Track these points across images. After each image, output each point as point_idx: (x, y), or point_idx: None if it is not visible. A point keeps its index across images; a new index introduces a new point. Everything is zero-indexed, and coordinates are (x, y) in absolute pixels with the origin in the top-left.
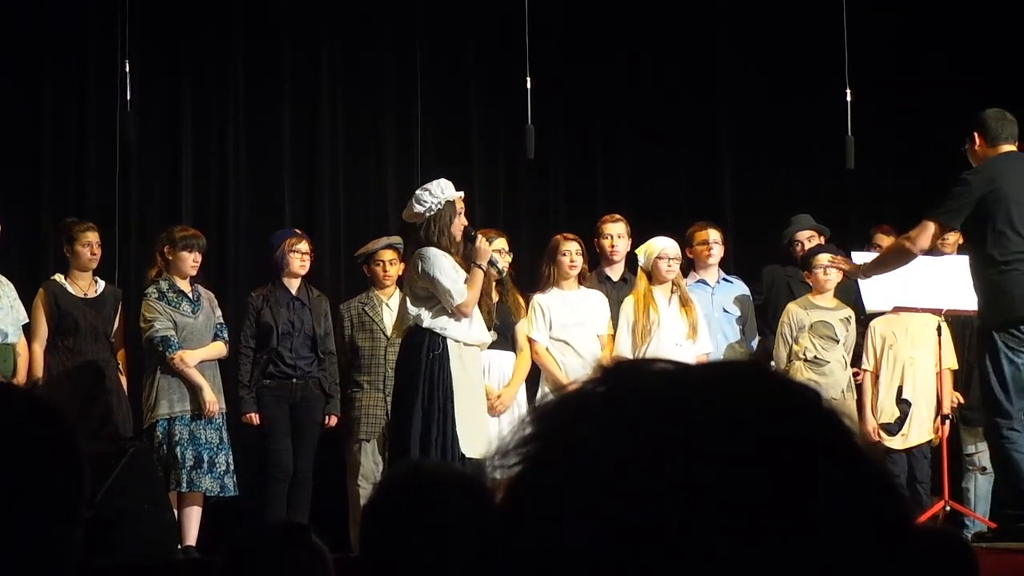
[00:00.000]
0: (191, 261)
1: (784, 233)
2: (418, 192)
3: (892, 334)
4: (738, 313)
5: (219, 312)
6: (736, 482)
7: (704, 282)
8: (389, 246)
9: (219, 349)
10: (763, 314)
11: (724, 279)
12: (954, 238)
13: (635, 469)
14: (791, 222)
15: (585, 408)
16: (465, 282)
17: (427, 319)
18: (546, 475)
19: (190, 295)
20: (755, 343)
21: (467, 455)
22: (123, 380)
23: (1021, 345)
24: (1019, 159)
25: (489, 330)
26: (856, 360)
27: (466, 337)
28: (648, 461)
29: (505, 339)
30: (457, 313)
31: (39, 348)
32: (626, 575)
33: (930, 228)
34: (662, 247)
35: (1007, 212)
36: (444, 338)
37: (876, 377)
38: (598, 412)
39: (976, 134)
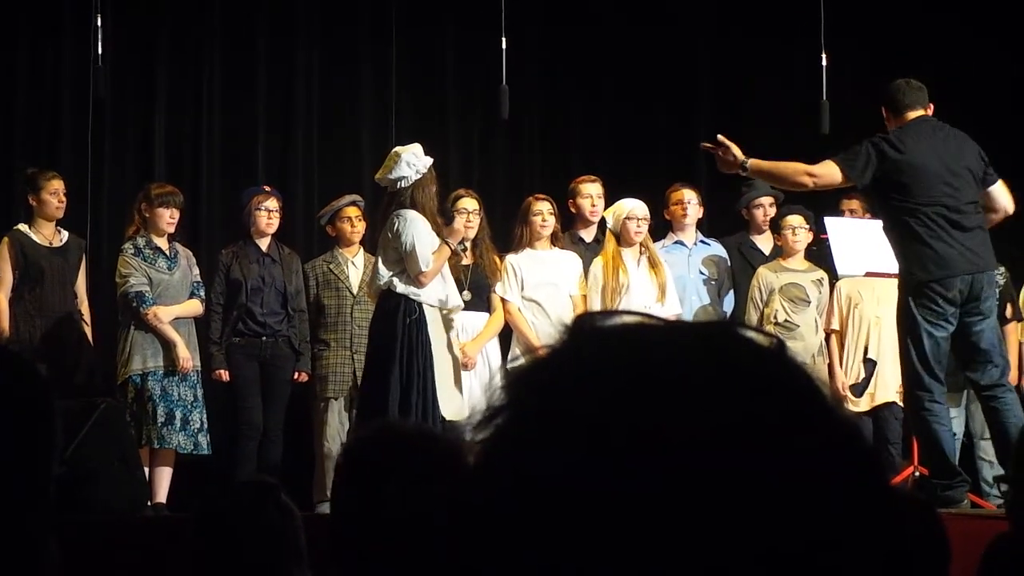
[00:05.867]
0: (168, 217)
1: (743, 199)
2: (405, 155)
3: (858, 293)
4: (711, 275)
5: (197, 270)
6: (708, 441)
7: (682, 243)
8: (353, 203)
9: (194, 307)
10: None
11: (702, 241)
12: (857, 204)
13: (605, 434)
14: (749, 187)
15: (553, 373)
16: (432, 254)
17: (400, 284)
18: (517, 448)
19: (167, 252)
20: (729, 306)
21: (447, 418)
22: (88, 331)
23: (938, 317)
24: (928, 124)
25: (461, 292)
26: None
27: (440, 302)
28: (618, 426)
29: (480, 300)
30: (416, 281)
31: (3, 298)
32: (599, 534)
33: (835, 173)
34: (631, 208)
35: (919, 178)
36: (420, 303)
37: (842, 337)
38: (566, 377)
39: (883, 108)
